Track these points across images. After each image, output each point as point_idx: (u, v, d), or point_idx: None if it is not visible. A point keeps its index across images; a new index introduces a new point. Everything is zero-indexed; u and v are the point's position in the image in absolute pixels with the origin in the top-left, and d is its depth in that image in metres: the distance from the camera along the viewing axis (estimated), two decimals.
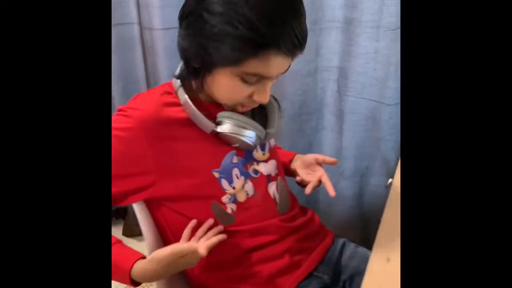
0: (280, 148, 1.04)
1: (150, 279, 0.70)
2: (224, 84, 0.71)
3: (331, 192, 0.81)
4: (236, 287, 0.82)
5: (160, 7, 1.28)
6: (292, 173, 0.95)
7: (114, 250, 0.71)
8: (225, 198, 0.79)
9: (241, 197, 0.81)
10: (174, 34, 1.27)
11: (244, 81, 0.69)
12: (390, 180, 0.98)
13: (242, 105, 0.76)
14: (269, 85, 0.72)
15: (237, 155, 0.81)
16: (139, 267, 0.69)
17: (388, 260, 0.66)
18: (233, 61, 0.66)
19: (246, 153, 0.83)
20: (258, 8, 0.62)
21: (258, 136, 0.77)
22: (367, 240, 0.97)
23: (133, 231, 1.66)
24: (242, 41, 0.63)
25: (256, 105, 0.77)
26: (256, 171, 0.84)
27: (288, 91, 1.27)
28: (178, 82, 0.77)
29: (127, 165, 0.73)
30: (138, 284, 0.71)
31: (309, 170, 0.91)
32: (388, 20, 1.10)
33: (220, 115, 0.76)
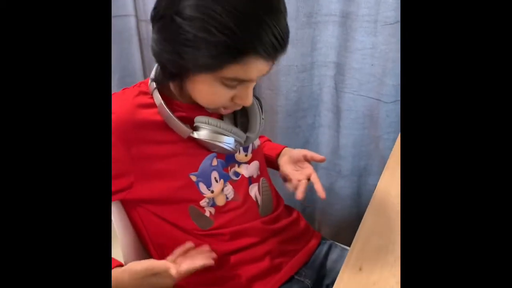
0: (269, 141, 1.01)
1: None
2: (203, 89, 0.68)
3: (321, 194, 0.78)
4: None
5: None
6: (278, 168, 0.92)
7: None
8: (203, 202, 0.76)
9: (220, 201, 0.78)
10: None
11: (225, 85, 0.66)
12: None
13: (225, 108, 0.73)
14: (251, 87, 0.69)
15: (217, 157, 0.78)
16: (115, 276, 0.67)
17: (360, 269, 0.63)
18: (211, 68, 0.62)
19: (226, 155, 0.80)
20: (233, 12, 0.57)
21: (237, 142, 0.74)
22: None
23: None
24: (219, 47, 0.59)
25: (239, 107, 0.74)
26: (237, 174, 0.81)
27: (283, 86, 1.23)
28: (153, 85, 0.72)
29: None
30: None
31: (297, 167, 0.87)
32: (386, 14, 1.05)
33: (198, 119, 0.72)
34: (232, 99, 0.69)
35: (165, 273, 0.65)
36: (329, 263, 0.89)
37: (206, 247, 0.74)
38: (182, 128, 0.71)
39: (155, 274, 0.65)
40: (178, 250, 0.71)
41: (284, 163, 0.89)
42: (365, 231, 0.72)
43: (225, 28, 0.57)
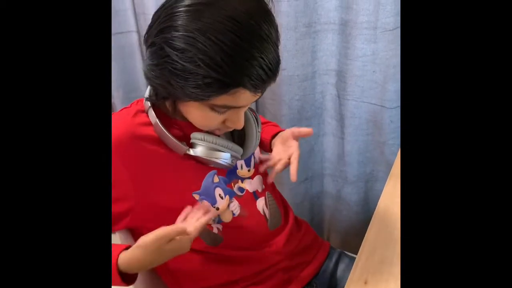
0: (274, 126, 1.00)
1: (137, 268, 0.65)
2: (195, 113, 0.68)
3: (293, 175, 0.78)
4: None
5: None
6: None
7: None
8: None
9: (226, 218, 0.78)
10: None
11: (215, 111, 0.66)
12: None
13: (219, 129, 0.73)
14: (242, 112, 0.69)
15: (218, 174, 0.78)
16: (126, 256, 0.64)
17: (365, 283, 0.63)
18: (199, 98, 0.62)
19: (228, 172, 0.80)
20: (220, 45, 0.56)
21: (234, 157, 0.74)
22: None
23: None
24: (206, 80, 0.59)
25: (229, 129, 0.73)
26: (241, 189, 0.81)
27: (285, 96, 1.24)
28: (148, 104, 0.73)
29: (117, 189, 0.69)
30: (128, 280, 0.66)
31: (285, 147, 0.86)
32: (385, 20, 1.05)
33: (194, 136, 0.72)
34: (224, 122, 0.70)
35: (180, 236, 0.63)
36: (339, 273, 0.89)
37: (203, 205, 0.73)
38: (177, 145, 0.71)
39: (169, 241, 0.63)
40: (181, 217, 0.70)
41: (276, 145, 0.88)
42: (369, 243, 0.72)
43: (212, 62, 0.57)
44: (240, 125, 0.70)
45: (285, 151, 0.83)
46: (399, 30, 1.06)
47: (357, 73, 1.15)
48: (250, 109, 0.80)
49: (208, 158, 0.71)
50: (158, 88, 0.67)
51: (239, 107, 0.66)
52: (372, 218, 0.78)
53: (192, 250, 0.77)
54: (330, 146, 1.31)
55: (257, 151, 0.87)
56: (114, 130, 0.69)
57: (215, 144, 0.71)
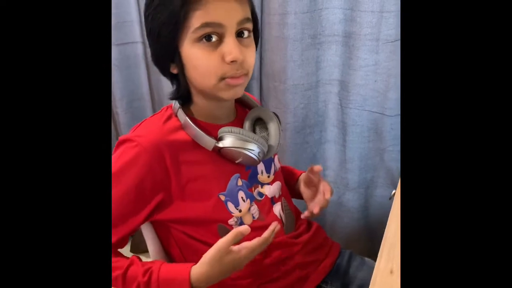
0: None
1: (206, 282, 0.68)
2: (195, 61, 0.70)
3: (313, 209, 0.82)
4: None
5: None
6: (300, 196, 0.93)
7: (162, 268, 0.70)
8: (231, 221, 0.79)
9: (247, 220, 0.81)
10: None
11: (206, 40, 0.68)
12: (393, 191, 0.99)
13: (224, 75, 0.71)
14: (231, 38, 0.69)
15: (241, 177, 0.80)
16: (195, 272, 0.68)
17: (391, 272, 0.67)
18: (179, 22, 0.68)
19: (249, 176, 0.82)
20: None
21: (261, 150, 0.76)
22: (373, 251, 0.97)
23: (140, 247, 1.66)
24: (163, 15, 0.67)
25: (238, 70, 0.71)
26: (261, 194, 0.84)
27: (290, 105, 1.28)
28: (177, 104, 0.77)
29: (148, 189, 0.73)
30: None
31: (312, 188, 0.89)
32: (387, 32, 1.12)
33: (221, 130, 0.75)
34: (223, 59, 0.69)
35: (237, 247, 0.67)
36: (351, 270, 0.92)
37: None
38: (207, 139, 0.73)
39: (228, 252, 0.66)
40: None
41: (302, 191, 0.91)
42: (390, 236, 0.75)
43: None
44: (236, 52, 0.69)
45: (319, 192, 0.86)
46: (399, 42, 1.12)
47: (360, 82, 1.21)
48: (273, 112, 0.83)
49: (238, 148, 0.73)
50: (159, 53, 0.74)
51: (222, 26, 0.68)
52: (391, 209, 0.82)
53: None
54: (332, 153, 1.35)
55: (276, 159, 0.90)
56: (148, 134, 0.74)
57: (242, 134, 0.74)
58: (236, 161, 0.77)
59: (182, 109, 0.76)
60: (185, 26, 0.68)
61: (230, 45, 0.69)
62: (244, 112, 0.87)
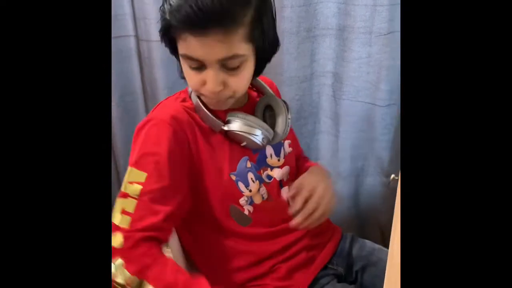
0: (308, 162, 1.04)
1: None
2: (184, 71, 0.74)
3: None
4: (257, 283, 0.85)
5: (158, 19, 1.30)
6: None
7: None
8: (242, 200, 0.82)
9: (257, 199, 0.84)
10: None
11: (190, 67, 0.71)
12: (392, 176, 1.04)
13: (207, 97, 0.75)
14: (210, 72, 0.69)
15: (250, 160, 0.84)
16: None
17: None
18: (166, 45, 0.74)
19: (258, 159, 0.86)
20: None
21: (265, 136, 0.80)
22: (364, 236, 1.02)
23: None
24: (161, 23, 0.71)
25: (218, 96, 0.73)
26: (269, 177, 0.87)
27: (286, 96, 1.31)
28: (190, 88, 0.79)
29: (178, 161, 0.74)
30: None
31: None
32: (379, 26, 1.17)
33: (230, 114, 0.79)
34: (203, 84, 0.72)
35: None
36: (354, 252, 0.97)
37: None
38: (216, 122, 0.77)
39: None
40: None
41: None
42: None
43: (164, 2, 0.68)
44: (210, 86, 0.70)
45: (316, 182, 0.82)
46: (392, 34, 1.18)
47: (353, 74, 1.26)
48: (283, 100, 0.87)
49: (243, 133, 0.77)
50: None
51: (202, 61, 0.68)
52: (396, 194, 0.86)
53: (223, 231, 0.83)
54: (325, 144, 1.40)
55: (287, 144, 0.93)
56: (167, 112, 0.76)
57: (248, 120, 0.78)
58: (241, 144, 0.81)
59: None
60: (166, 42, 0.74)
61: (209, 78, 0.70)
62: (257, 96, 0.90)
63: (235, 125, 0.78)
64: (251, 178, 0.83)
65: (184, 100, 0.81)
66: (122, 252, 0.64)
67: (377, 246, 0.99)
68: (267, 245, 0.85)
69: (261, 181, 0.85)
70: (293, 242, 0.88)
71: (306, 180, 0.82)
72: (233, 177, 0.81)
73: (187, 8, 0.63)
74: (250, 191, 0.82)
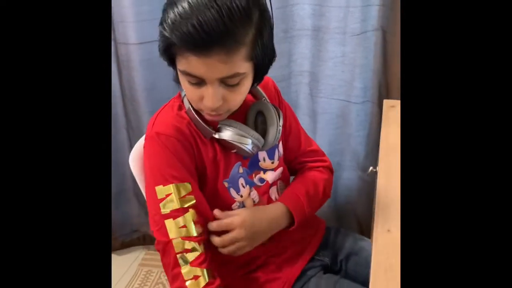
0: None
1: None
2: (182, 82, 0.74)
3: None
4: (248, 276, 0.88)
5: (135, 21, 1.32)
6: None
7: None
8: (234, 206, 0.85)
9: (249, 204, 0.87)
10: (150, 48, 1.34)
11: (189, 82, 0.71)
12: (371, 168, 1.09)
13: (202, 111, 0.77)
14: (211, 89, 0.70)
15: (242, 165, 0.86)
16: None
17: (388, 231, 0.76)
18: (167, 61, 0.73)
19: (249, 163, 0.87)
20: (176, 10, 0.64)
21: (255, 144, 0.81)
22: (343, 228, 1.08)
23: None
24: (160, 39, 0.70)
25: (217, 112, 0.75)
26: (262, 180, 0.89)
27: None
28: (183, 92, 0.80)
29: (187, 167, 0.78)
30: None
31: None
32: (353, 26, 1.23)
33: (221, 122, 0.80)
34: (201, 99, 0.73)
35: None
36: (338, 242, 1.01)
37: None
38: (206, 130, 0.78)
39: None
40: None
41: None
42: (382, 201, 0.85)
43: (164, 20, 0.66)
44: (209, 102, 0.71)
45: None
46: (364, 34, 1.24)
47: (328, 73, 1.31)
48: (276, 107, 0.87)
49: (231, 141, 0.79)
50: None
51: (202, 78, 0.69)
52: (377, 183, 0.91)
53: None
54: None
55: (281, 145, 0.94)
56: (167, 126, 0.78)
57: (239, 129, 0.79)
58: (232, 151, 0.83)
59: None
60: (165, 59, 0.73)
61: (209, 94, 0.70)
62: (250, 101, 0.90)
63: (226, 134, 0.79)
64: (242, 184, 0.86)
65: (180, 108, 0.81)
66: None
67: (358, 236, 1.04)
68: (259, 244, 0.88)
69: (251, 185, 0.87)
70: (282, 237, 0.91)
71: (239, 214, 0.82)
72: (226, 184, 0.83)
73: (189, 28, 0.62)
74: (241, 196, 0.85)
